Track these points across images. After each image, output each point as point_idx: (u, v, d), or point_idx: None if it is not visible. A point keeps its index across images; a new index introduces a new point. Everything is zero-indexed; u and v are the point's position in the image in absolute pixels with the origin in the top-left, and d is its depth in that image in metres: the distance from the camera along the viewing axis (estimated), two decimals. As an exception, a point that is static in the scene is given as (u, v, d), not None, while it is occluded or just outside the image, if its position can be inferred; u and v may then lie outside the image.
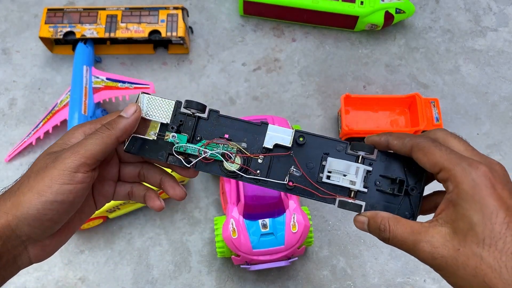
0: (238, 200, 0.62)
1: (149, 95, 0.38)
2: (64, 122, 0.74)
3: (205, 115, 0.38)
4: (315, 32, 0.86)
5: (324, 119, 0.79)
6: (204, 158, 0.37)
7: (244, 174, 0.37)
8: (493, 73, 0.83)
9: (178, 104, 0.38)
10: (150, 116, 0.38)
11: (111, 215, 0.69)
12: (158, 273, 0.69)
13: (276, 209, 0.61)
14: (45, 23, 0.78)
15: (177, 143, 0.37)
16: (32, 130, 0.75)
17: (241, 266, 0.64)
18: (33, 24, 0.86)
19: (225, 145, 0.37)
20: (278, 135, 0.37)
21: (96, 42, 0.81)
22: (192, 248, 0.70)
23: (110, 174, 0.39)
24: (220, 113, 0.38)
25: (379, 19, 0.81)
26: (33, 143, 0.74)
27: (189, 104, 0.37)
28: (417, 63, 0.84)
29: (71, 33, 0.78)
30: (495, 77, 0.83)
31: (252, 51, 0.84)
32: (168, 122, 0.38)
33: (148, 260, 0.70)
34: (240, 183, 0.61)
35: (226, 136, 0.38)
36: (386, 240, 0.34)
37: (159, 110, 0.38)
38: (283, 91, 0.81)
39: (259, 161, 0.37)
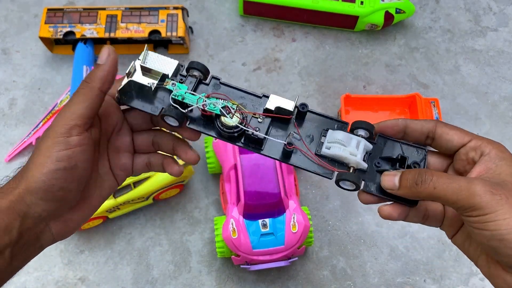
0: (238, 200, 0.62)
1: (153, 52, 0.37)
2: (64, 122, 0.74)
3: (206, 81, 0.38)
4: (315, 32, 0.86)
5: (324, 119, 0.79)
6: (203, 110, 0.35)
7: (243, 132, 0.36)
8: (493, 73, 0.83)
9: (179, 66, 0.37)
10: (151, 67, 0.36)
11: (111, 215, 0.69)
12: (158, 273, 0.69)
13: (276, 209, 0.61)
14: (45, 23, 0.78)
15: (177, 91, 0.36)
16: (32, 130, 0.75)
17: (241, 266, 0.64)
18: (33, 24, 0.86)
19: (225, 101, 0.36)
20: (280, 101, 0.36)
21: (96, 42, 0.81)
22: (192, 248, 0.70)
23: (124, 144, 0.39)
24: (221, 81, 0.38)
25: (379, 19, 0.81)
26: (33, 143, 0.74)
27: (193, 64, 0.37)
28: (417, 63, 0.84)
29: (71, 33, 0.78)
30: (495, 77, 0.83)
31: (252, 51, 0.84)
32: (169, 74, 0.36)
33: (148, 260, 0.70)
34: (240, 181, 0.61)
35: None
36: (429, 192, 0.31)
37: (161, 66, 0.37)
38: (283, 91, 0.81)
39: (259, 120, 0.36)
